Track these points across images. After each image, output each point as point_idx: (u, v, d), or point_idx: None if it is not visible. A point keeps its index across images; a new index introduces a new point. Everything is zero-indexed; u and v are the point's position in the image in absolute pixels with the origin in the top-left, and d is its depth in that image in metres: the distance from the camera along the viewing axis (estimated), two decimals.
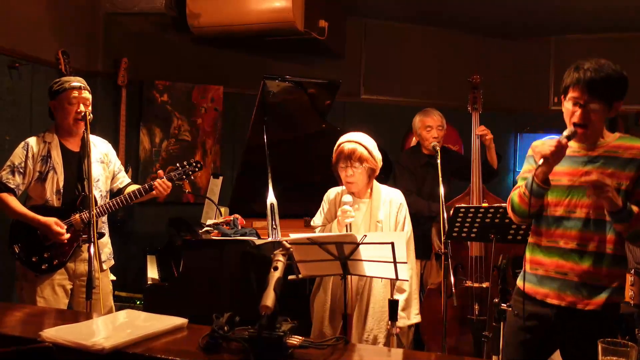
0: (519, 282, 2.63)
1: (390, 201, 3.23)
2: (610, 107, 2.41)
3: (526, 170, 2.63)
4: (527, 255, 2.62)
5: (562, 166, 2.46)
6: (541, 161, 2.34)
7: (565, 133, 2.38)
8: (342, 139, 3.21)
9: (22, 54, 4.25)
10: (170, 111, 5.42)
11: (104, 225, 3.50)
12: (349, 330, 3.09)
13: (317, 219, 3.34)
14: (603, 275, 2.43)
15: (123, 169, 3.68)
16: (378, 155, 3.19)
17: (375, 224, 3.16)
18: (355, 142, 3.15)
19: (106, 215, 3.50)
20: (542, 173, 2.38)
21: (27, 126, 4.29)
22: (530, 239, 2.63)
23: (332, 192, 3.34)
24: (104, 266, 3.48)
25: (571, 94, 2.41)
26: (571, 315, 2.46)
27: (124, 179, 3.62)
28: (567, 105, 2.45)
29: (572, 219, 2.45)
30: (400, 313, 3.16)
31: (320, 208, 3.35)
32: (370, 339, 3.13)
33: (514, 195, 2.57)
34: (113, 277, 3.71)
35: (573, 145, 2.49)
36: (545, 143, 2.41)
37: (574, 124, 2.41)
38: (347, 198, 3.12)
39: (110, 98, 5.06)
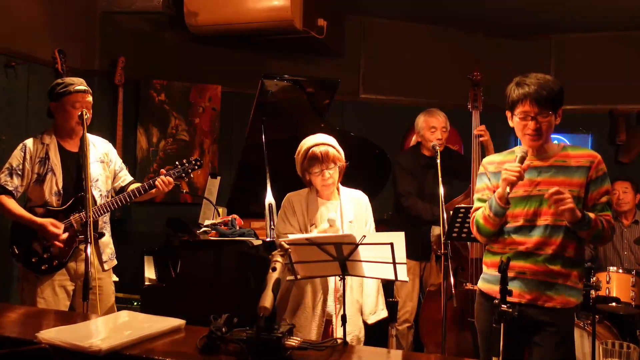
0: (479, 284, 2.79)
1: (358, 200, 3.27)
2: (556, 116, 2.60)
3: (480, 188, 2.78)
4: (487, 259, 2.77)
5: None
6: (508, 188, 2.52)
7: (519, 157, 2.56)
8: (307, 143, 3.16)
9: (18, 53, 4.23)
10: (168, 110, 5.40)
11: (105, 225, 3.49)
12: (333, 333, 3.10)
13: (282, 227, 3.22)
14: (559, 274, 2.59)
15: (125, 167, 3.67)
16: (342, 153, 3.21)
17: (348, 224, 3.16)
18: (325, 144, 3.14)
19: (108, 215, 3.50)
20: (505, 196, 2.54)
21: (24, 126, 4.27)
22: (488, 248, 2.77)
23: (294, 198, 3.26)
24: (106, 266, 3.47)
25: (520, 109, 2.59)
26: (533, 312, 2.60)
27: (125, 177, 3.61)
28: (517, 120, 2.63)
29: (534, 227, 2.61)
30: (370, 316, 3.21)
31: (283, 216, 3.24)
32: (354, 341, 3.12)
33: (479, 218, 2.70)
34: (116, 278, 3.70)
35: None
36: (507, 171, 2.54)
37: (529, 135, 2.60)
38: (333, 216, 3.10)
39: (107, 97, 5.03)
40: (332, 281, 3.12)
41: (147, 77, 5.34)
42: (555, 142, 2.69)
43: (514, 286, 2.56)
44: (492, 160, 2.78)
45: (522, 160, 2.56)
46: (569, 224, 2.51)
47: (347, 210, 3.20)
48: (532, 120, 2.56)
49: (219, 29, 4.83)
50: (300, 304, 3.14)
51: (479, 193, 2.78)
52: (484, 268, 2.78)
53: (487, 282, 2.73)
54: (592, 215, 2.53)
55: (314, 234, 3.09)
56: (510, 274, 2.57)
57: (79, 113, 3.26)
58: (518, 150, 2.60)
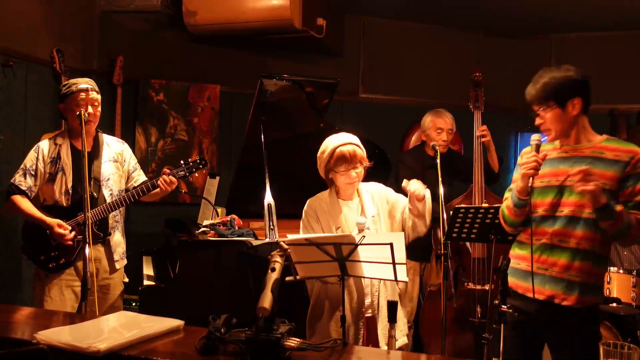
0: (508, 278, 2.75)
1: (378, 193, 3.23)
2: (564, 107, 2.58)
3: (517, 178, 2.74)
4: (513, 251, 2.76)
5: (550, 167, 2.60)
6: (530, 181, 2.53)
7: (534, 145, 2.59)
8: (334, 142, 3.13)
9: (17, 52, 4.21)
10: (167, 110, 5.39)
11: (117, 225, 3.52)
12: (371, 334, 3.06)
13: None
14: (580, 271, 2.55)
15: (139, 168, 3.69)
16: (365, 152, 3.20)
17: (371, 219, 3.13)
18: (353, 143, 3.12)
19: (121, 214, 3.55)
20: (524, 188, 2.56)
21: (22, 125, 4.26)
22: (518, 237, 2.77)
23: (315, 204, 3.21)
24: (117, 266, 3.51)
25: None
26: (550, 310, 2.57)
27: (139, 177, 3.64)
28: None
29: (558, 217, 2.58)
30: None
31: (306, 223, 3.19)
32: (400, 336, 3.08)
33: (504, 208, 2.74)
34: (126, 279, 3.70)
35: (560, 147, 2.64)
36: (525, 164, 2.55)
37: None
38: (362, 220, 3.04)
39: (105, 97, 4.95)
40: (367, 280, 3.06)
41: (146, 77, 5.33)
42: (605, 135, 2.66)
43: (535, 282, 2.56)
44: (529, 151, 2.72)
45: (537, 148, 2.56)
46: (593, 210, 2.45)
47: (368, 206, 3.16)
48: (536, 116, 2.64)
49: (217, 28, 4.82)
50: (337, 309, 3.07)
51: (514, 184, 2.74)
52: (512, 261, 2.75)
53: (511, 275, 2.68)
54: (619, 207, 2.44)
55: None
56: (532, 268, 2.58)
57: (87, 112, 3.30)
58: (532, 138, 2.59)
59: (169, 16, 5.09)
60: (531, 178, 2.52)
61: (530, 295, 2.58)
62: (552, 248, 2.57)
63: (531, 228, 2.62)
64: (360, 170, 3.11)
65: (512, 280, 2.68)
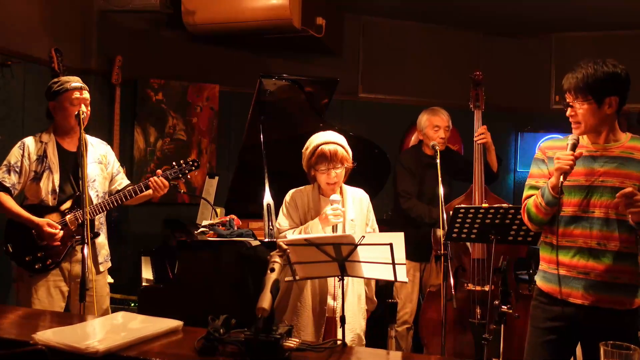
0: (539, 283, 2.68)
1: (360, 200, 3.26)
2: (601, 104, 2.47)
3: (535, 174, 2.68)
4: (545, 254, 2.66)
5: (579, 166, 2.51)
6: (561, 178, 2.42)
7: (570, 144, 2.48)
8: (317, 140, 3.15)
9: (15, 52, 4.20)
10: (165, 110, 5.38)
11: (101, 226, 3.49)
12: (330, 334, 3.09)
13: (283, 222, 3.24)
14: (624, 273, 2.49)
15: (122, 171, 3.67)
16: (351, 153, 3.20)
17: (349, 223, 3.16)
18: (335, 143, 3.13)
19: (104, 216, 3.51)
20: (556, 185, 2.45)
21: (20, 125, 4.24)
22: (544, 238, 2.67)
23: (297, 194, 3.26)
24: (101, 268, 3.47)
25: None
26: (596, 315, 2.50)
27: (122, 180, 3.61)
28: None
29: (592, 218, 2.51)
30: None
31: (284, 211, 3.25)
32: (355, 340, 3.12)
33: (530, 205, 2.61)
34: (111, 280, 3.68)
35: (590, 145, 2.57)
36: (560, 159, 2.45)
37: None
38: (336, 197, 3.08)
39: (104, 97, 5.01)
40: (332, 280, 3.10)
41: (145, 77, 5.32)
42: (628, 133, 2.59)
43: (576, 286, 2.51)
44: (551, 145, 2.66)
45: (573, 147, 2.47)
46: (634, 223, 2.41)
47: (349, 209, 3.19)
48: (569, 107, 2.53)
49: (216, 28, 4.81)
50: (300, 304, 3.13)
51: (533, 179, 2.67)
52: (542, 265, 2.66)
53: (547, 281, 2.62)
54: None
55: (315, 221, 3.10)
56: (572, 274, 2.53)
57: (76, 112, 3.26)
58: (570, 137, 2.52)
59: (168, 16, 5.08)
60: (562, 175, 2.42)
61: (573, 300, 2.52)
62: (591, 251, 2.50)
63: (557, 227, 2.55)
64: (340, 171, 3.12)
65: (549, 286, 2.60)
